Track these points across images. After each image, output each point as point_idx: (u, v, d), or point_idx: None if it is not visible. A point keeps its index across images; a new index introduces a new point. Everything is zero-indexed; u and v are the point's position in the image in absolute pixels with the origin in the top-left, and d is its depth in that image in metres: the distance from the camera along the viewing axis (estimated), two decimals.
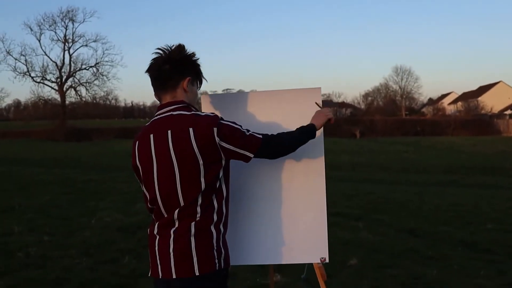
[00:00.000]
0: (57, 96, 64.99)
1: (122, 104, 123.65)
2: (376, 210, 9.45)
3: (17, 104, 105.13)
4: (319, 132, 2.59)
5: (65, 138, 52.53)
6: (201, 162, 2.12)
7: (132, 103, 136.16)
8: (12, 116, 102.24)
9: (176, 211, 2.15)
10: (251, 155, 2.22)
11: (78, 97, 66.14)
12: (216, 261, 2.13)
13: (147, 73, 2.29)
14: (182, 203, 2.14)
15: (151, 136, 2.21)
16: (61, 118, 60.04)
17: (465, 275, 5.13)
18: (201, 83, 2.39)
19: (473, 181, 19.44)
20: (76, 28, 69.34)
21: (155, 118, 2.25)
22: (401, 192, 12.83)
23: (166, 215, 2.18)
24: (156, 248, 2.18)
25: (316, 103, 2.68)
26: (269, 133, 2.32)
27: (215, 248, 2.14)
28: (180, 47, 2.27)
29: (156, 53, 2.27)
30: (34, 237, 6.59)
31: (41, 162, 26.88)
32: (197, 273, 2.08)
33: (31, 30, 64.57)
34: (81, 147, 43.24)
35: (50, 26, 64.77)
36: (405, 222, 8.21)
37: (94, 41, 65.33)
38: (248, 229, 2.61)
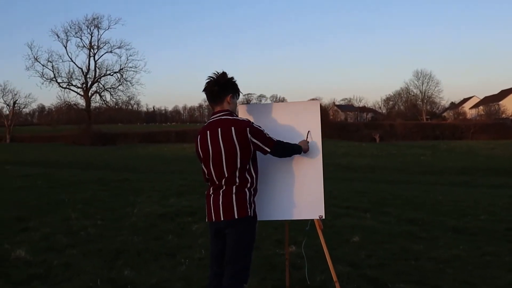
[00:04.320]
0: (82, 101, 67.09)
1: (144, 109, 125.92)
2: (383, 204, 10.54)
3: (41, 109, 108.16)
4: (317, 126, 3.84)
5: (91, 142, 54.15)
6: (238, 149, 3.36)
7: (154, 108, 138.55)
8: (36, 121, 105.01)
9: (223, 180, 3.40)
10: (268, 150, 3.53)
11: (103, 102, 68.16)
12: (249, 210, 3.38)
13: (203, 92, 3.55)
14: (226, 175, 3.38)
15: (208, 132, 3.48)
16: (86, 123, 61.86)
17: (446, 249, 6.27)
18: (238, 96, 3.65)
19: (484, 182, 20.31)
20: (101, 35, 71.90)
21: (210, 120, 3.52)
22: (410, 190, 13.89)
23: (217, 183, 3.44)
24: (211, 202, 3.45)
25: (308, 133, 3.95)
26: (279, 138, 3.64)
27: (248, 202, 3.39)
28: (224, 74, 3.56)
29: (209, 78, 3.54)
30: (89, 221, 7.87)
31: (73, 164, 28.40)
32: (236, 217, 3.35)
33: (58, 37, 67.37)
34: (107, 151, 44.84)
35: (76, 33, 67.54)
36: (407, 213, 9.29)
37: (119, 47, 67.85)
38: (268, 196, 3.84)
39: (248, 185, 3.43)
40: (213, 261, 3.56)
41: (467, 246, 6.46)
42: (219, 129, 3.42)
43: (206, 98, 3.58)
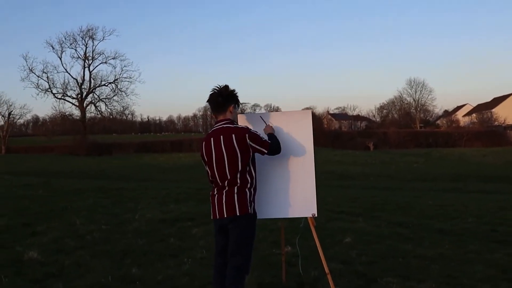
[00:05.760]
0: (77, 112, 67.32)
1: (139, 119, 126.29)
2: (375, 209, 10.98)
3: (35, 120, 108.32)
4: (309, 133, 4.27)
5: (87, 153, 54.34)
6: (238, 153, 3.79)
7: (148, 118, 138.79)
8: (30, 132, 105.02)
9: (226, 181, 3.82)
10: (266, 151, 3.95)
11: (98, 113, 68.44)
12: (249, 208, 3.81)
13: (207, 103, 3.98)
14: (229, 177, 3.80)
15: (212, 139, 3.91)
16: (82, 133, 62.07)
17: (432, 248, 6.70)
18: (239, 106, 4.08)
19: (474, 188, 20.78)
20: (95, 46, 71.83)
21: (214, 128, 3.96)
22: (401, 196, 14.33)
23: (220, 184, 3.87)
24: (215, 202, 3.88)
25: (261, 117, 4.48)
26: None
27: (248, 201, 3.82)
28: (226, 87, 4.01)
29: (213, 90, 3.98)
30: (94, 226, 8.24)
31: (71, 174, 28.76)
32: (238, 214, 3.78)
33: (53, 48, 67.52)
34: (103, 161, 45.13)
35: (71, 44, 67.57)
36: (398, 217, 9.73)
37: (113, 58, 67.94)
38: (265, 197, 4.27)
39: (248, 185, 3.86)
40: (217, 256, 4.00)
41: (452, 245, 6.89)
42: (222, 136, 3.85)
43: (207, 108, 4.06)
